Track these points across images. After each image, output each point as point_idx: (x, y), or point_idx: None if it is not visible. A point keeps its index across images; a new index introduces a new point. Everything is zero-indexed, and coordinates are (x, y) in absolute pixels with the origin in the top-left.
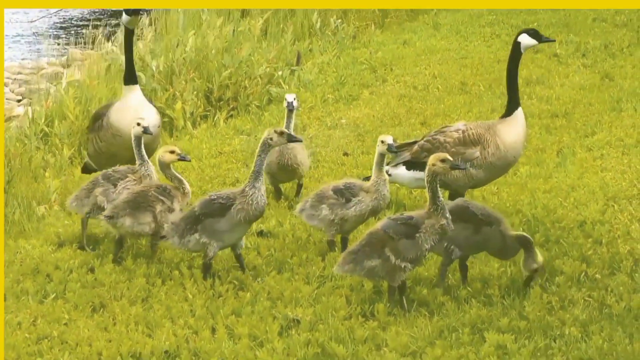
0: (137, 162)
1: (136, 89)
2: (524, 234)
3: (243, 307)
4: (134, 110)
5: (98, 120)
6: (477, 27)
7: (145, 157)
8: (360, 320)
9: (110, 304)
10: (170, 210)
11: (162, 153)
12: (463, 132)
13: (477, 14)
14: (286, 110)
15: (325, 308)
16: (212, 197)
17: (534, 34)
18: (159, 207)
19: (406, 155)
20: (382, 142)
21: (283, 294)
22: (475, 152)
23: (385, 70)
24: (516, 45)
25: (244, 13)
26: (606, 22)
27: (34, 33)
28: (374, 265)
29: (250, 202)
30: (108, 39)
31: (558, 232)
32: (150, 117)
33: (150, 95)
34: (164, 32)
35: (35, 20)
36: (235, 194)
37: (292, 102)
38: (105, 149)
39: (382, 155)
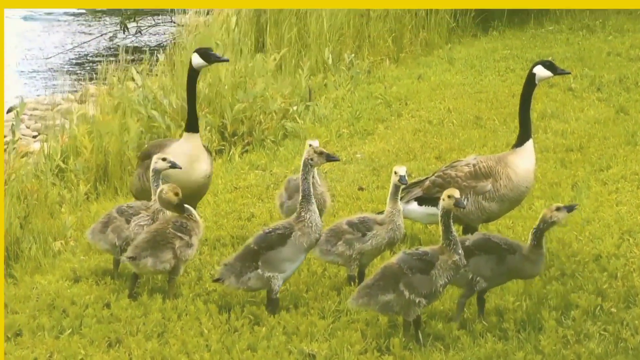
0: (153, 198)
1: (196, 138)
2: (530, 238)
3: (259, 342)
4: (189, 158)
5: (147, 159)
6: (492, 61)
7: None
8: (375, 354)
9: (126, 339)
10: (189, 245)
11: (167, 190)
12: (474, 165)
13: (492, 49)
14: None
15: (341, 342)
16: (267, 230)
17: (549, 65)
18: (178, 243)
19: (418, 191)
20: (395, 172)
21: (298, 329)
22: (487, 185)
23: (400, 104)
24: (531, 76)
25: (258, 48)
26: (621, 56)
27: (49, 69)
28: (388, 299)
29: (310, 225)
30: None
31: (573, 265)
32: (203, 167)
33: (165, 132)
34: (177, 67)
35: (50, 57)
36: (290, 222)
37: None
38: (149, 188)
39: (397, 187)
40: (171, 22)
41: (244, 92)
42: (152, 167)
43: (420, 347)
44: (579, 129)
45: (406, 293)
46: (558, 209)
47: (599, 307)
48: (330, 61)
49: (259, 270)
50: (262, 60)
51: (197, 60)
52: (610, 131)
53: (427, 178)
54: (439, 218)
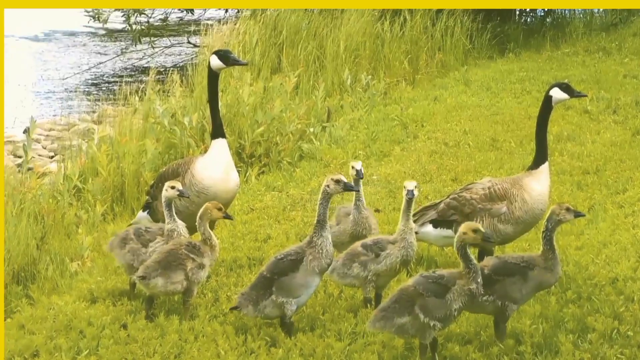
0: (167, 221)
1: (224, 144)
2: (542, 243)
3: None
4: (222, 167)
5: (175, 177)
6: (508, 83)
7: (175, 217)
8: None
9: None
10: (201, 266)
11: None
12: (489, 188)
13: (508, 71)
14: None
15: None
16: (279, 256)
17: (566, 88)
18: (189, 265)
19: (433, 213)
20: (405, 187)
21: (315, 351)
22: (502, 207)
23: (416, 126)
24: (547, 98)
25: (274, 69)
26: (637, 78)
27: (65, 90)
28: (404, 322)
29: (321, 250)
30: (139, 95)
31: (590, 288)
32: (236, 177)
33: (185, 150)
34: (194, 88)
35: (67, 78)
36: (302, 247)
37: (360, 171)
38: (182, 209)
39: (408, 203)
40: (187, 42)
41: (264, 114)
42: (162, 194)
43: None
44: (595, 151)
45: (421, 316)
46: (568, 209)
47: (615, 331)
48: (348, 82)
49: (273, 297)
50: (280, 81)
51: (215, 62)
52: (626, 154)
53: (441, 201)
54: (456, 251)
